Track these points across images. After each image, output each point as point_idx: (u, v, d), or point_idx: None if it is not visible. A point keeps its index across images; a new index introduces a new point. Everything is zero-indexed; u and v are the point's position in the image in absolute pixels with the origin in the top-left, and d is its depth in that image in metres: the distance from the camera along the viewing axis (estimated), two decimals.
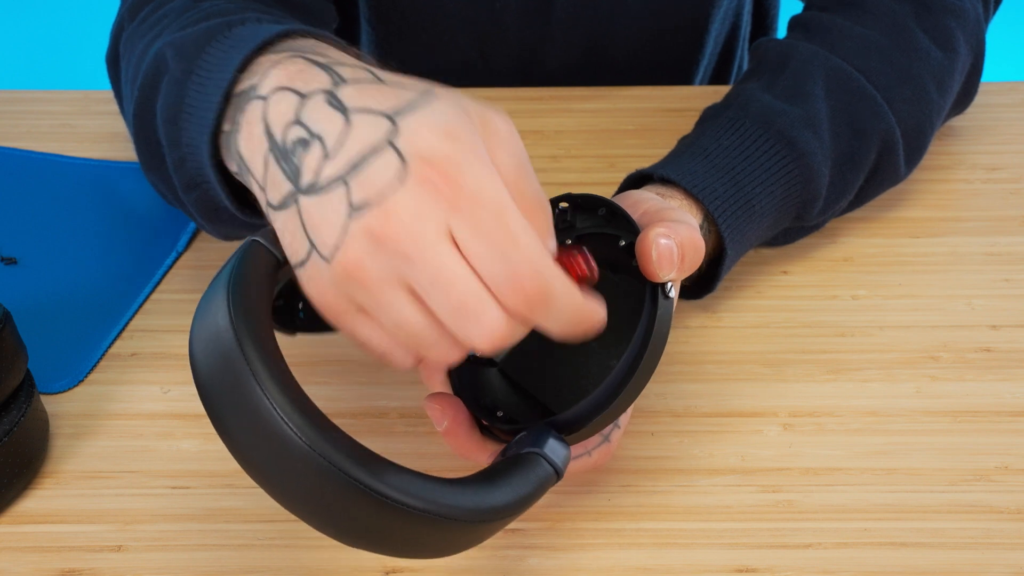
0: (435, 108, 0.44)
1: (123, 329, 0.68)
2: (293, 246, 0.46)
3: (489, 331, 0.43)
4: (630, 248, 0.52)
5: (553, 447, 0.49)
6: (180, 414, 0.63)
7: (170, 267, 0.73)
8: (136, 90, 0.61)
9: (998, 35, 1.06)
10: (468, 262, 0.43)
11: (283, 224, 0.46)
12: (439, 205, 0.42)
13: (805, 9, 0.77)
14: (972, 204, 0.78)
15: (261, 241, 0.47)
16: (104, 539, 0.56)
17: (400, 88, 0.46)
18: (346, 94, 0.46)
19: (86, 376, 0.65)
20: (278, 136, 0.46)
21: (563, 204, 0.57)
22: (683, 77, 0.99)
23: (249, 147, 0.48)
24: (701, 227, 0.62)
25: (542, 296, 0.43)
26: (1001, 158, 0.82)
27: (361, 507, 0.42)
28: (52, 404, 0.63)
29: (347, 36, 1.01)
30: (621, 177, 0.66)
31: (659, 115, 0.86)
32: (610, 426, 0.54)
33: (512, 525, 0.56)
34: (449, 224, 0.43)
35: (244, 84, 0.51)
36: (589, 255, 0.47)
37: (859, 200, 0.72)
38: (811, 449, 0.60)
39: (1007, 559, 0.54)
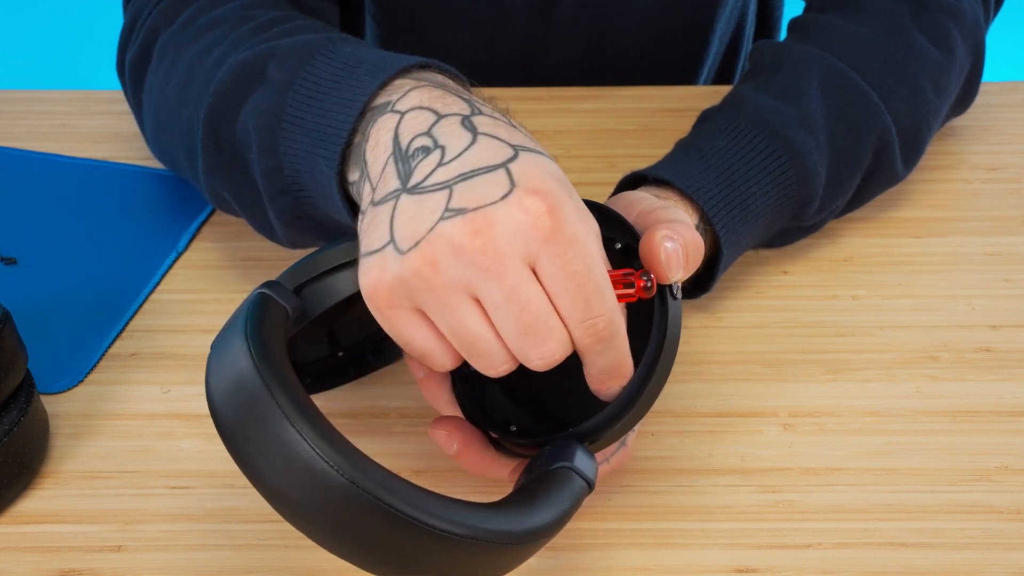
0: (549, 159, 0.47)
1: (123, 329, 0.68)
2: (372, 236, 0.47)
3: (550, 354, 0.46)
4: (626, 250, 0.52)
5: (582, 459, 0.49)
6: (180, 414, 0.63)
7: (170, 267, 0.73)
8: (211, 96, 0.61)
9: (998, 35, 1.06)
10: (545, 290, 0.45)
11: (372, 218, 0.47)
12: (534, 234, 0.44)
13: (804, 11, 0.77)
14: (972, 204, 0.78)
15: (270, 293, 0.48)
16: (104, 539, 0.56)
17: (526, 135, 0.49)
18: (480, 121, 0.48)
19: (86, 376, 0.65)
20: (403, 143, 0.48)
21: None
22: (687, 77, 0.99)
23: (374, 153, 0.50)
24: (697, 227, 0.62)
25: (609, 339, 0.47)
26: (1001, 158, 0.82)
27: (403, 537, 0.42)
28: (52, 404, 0.63)
29: (351, 33, 1.01)
30: (621, 177, 0.66)
31: (660, 115, 0.86)
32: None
33: None
34: (538, 255, 0.45)
35: (379, 100, 0.53)
36: (642, 279, 0.49)
37: (857, 200, 0.72)
38: (811, 449, 0.60)
39: (1007, 559, 0.54)
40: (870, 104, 0.69)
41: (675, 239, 0.51)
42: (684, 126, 0.71)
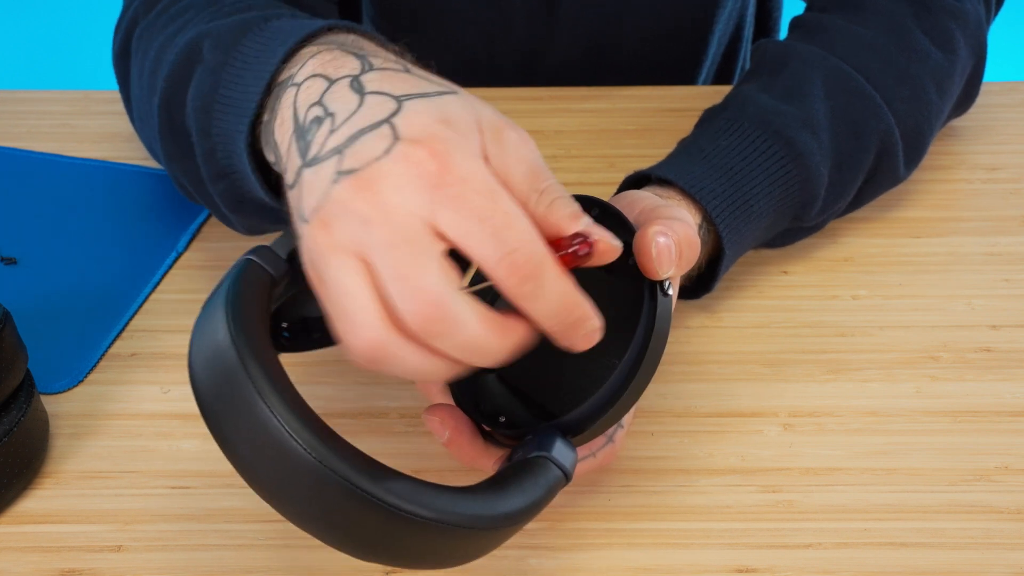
0: (444, 100, 0.45)
1: (123, 329, 0.68)
2: (295, 219, 0.46)
3: (424, 303, 0.42)
4: (626, 247, 0.52)
5: (560, 450, 0.49)
6: (180, 414, 0.63)
7: (170, 267, 0.73)
8: (163, 80, 0.61)
9: (998, 35, 1.06)
10: (450, 239, 0.42)
11: (293, 201, 0.46)
12: (421, 182, 0.42)
13: (806, 10, 0.77)
14: (972, 204, 0.78)
15: (255, 259, 0.48)
16: (104, 539, 0.56)
17: (422, 80, 0.46)
18: (368, 79, 0.47)
19: (86, 376, 0.65)
20: (301, 117, 0.47)
21: None
22: (687, 77, 0.99)
23: (281, 132, 0.50)
24: (700, 227, 0.62)
25: (536, 273, 0.42)
26: (1001, 158, 0.82)
27: (371, 519, 0.42)
28: (52, 404, 0.63)
29: None
30: (621, 177, 0.66)
31: (660, 115, 0.86)
32: (613, 426, 0.54)
33: None
34: (432, 204, 0.42)
35: (284, 75, 0.52)
36: (590, 240, 0.46)
37: (858, 201, 0.72)
38: (811, 449, 0.60)
39: (1007, 559, 0.54)
40: (873, 106, 0.69)
41: (668, 235, 0.51)
42: (684, 126, 0.71)
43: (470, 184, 0.42)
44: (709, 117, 0.70)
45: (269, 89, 0.53)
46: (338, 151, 0.44)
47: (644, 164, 0.65)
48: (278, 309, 0.51)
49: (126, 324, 0.69)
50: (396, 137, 0.43)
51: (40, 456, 0.59)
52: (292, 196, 0.47)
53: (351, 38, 0.54)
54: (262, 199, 0.57)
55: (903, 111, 0.70)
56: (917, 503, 0.57)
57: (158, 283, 0.72)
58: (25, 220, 0.76)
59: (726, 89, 0.74)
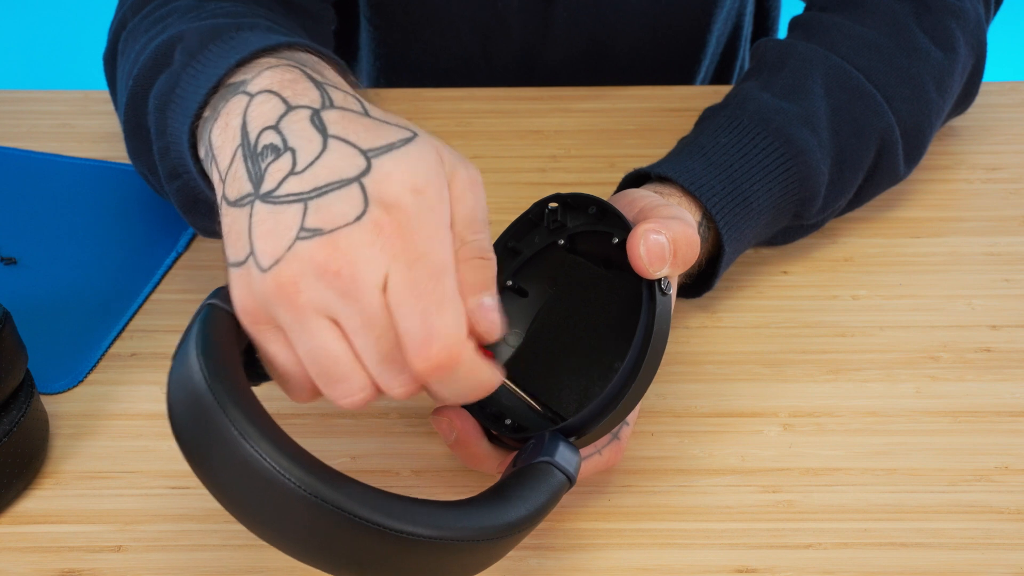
0: (410, 155, 0.45)
1: (123, 329, 0.68)
2: (236, 245, 0.46)
3: (411, 382, 0.45)
4: (623, 245, 0.52)
5: (564, 454, 0.49)
6: None
7: (170, 267, 0.73)
8: (132, 79, 0.61)
9: (998, 35, 1.06)
10: (390, 312, 0.44)
11: (232, 221, 0.46)
12: (385, 253, 0.43)
13: (806, 9, 0.77)
14: (972, 204, 0.78)
15: (217, 303, 0.47)
16: (104, 539, 0.56)
17: (383, 126, 0.46)
18: (330, 118, 0.46)
19: (86, 376, 0.65)
20: (252, 135, 0.47)
21: (552, 204, 0.57)
22: (685, 76, 0.99)
23: (222, 137, 0.49)
24: (700, 225, 0.62)
25: (446, 366, 0.45)
26: (1001, 158, 0.82)
27: (374, 545, 0.42)
28: (52, 404, 0.63)
29: (347, 35, 1.01)
30: (621, 177, 0.66)
31: (659, 115, 0.86)
32: (619, 424, 0.54)
33: None
34: (387, 272, 0.43)
35: (236, 77, 0.51)
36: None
37: (858, 199, 0.72)
38: (811, 449, 0.60)
39: (1007, 559, 0.54)
40: (874, 104, 0.69)
41: (661, 232, 0.51)
42: (684, 126, 0.71)
43: (424, 260, 0.44)
44: (709, 115, 0.70)
45: (216, 88, 0.52)
46: (302, 200, 0.44)
47: (644, 164, 0.65)
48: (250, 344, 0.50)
49: (126, 324, 0.69)
50: (366, 201, 0.44)
51: (40, 456, 0.59)
52: (234, 215, 0.46)
53: (312, 59, 0.53)
54: (214, 200, 0.57)
55: (903, 110, 0.70)
56: (917, 503, 0.57)
57: (158, 283, 0.72)
58: (25, 220, 0.76)
59: (727, 89, 0.74)
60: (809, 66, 0.69)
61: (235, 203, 0.46)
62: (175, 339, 0.68)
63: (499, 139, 0.84)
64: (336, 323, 0.44)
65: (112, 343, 0.67)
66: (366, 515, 0.42)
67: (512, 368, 0.58)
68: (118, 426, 0.62)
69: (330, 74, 0.51)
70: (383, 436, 0.61)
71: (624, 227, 0.53)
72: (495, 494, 0.47)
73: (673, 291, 0.53)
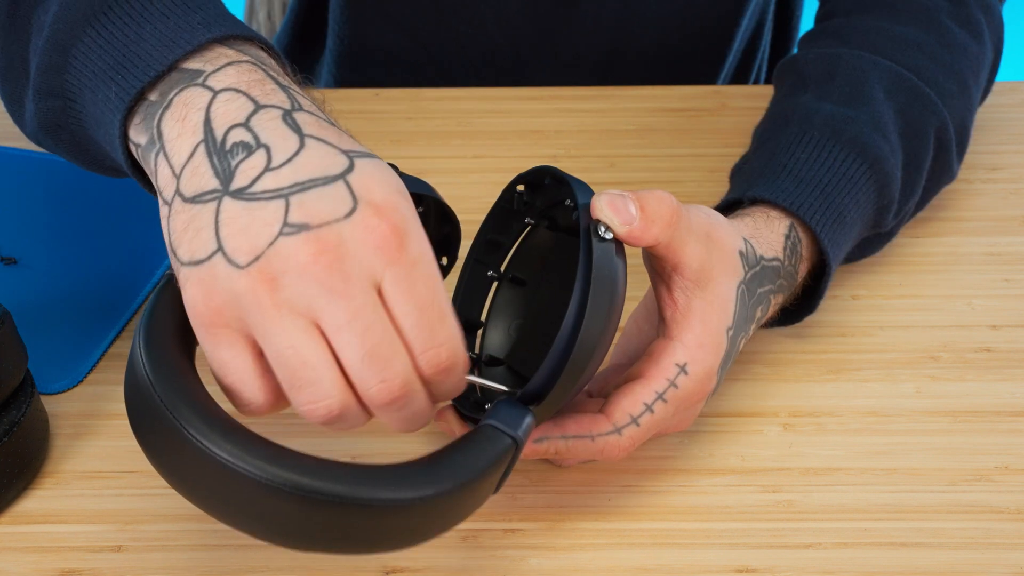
0: (382, 164, 0.45)
1: (123, 329, 0.68)
2: (193, 243, 0.44)
3: (392, 378, 0.44)
4: (576, 209, 0.51)
5: (508, 416, 0.47)
6: None
7: (170, 267, 0.73)
8: None
9: None
10: (389, 314, 0.43)
11: (189, 218, 0.44)
12: (379, 253, 0.43)
13: (825, 17, 0.76)
14: (972, 204, 0.78)
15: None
16: (104, 539, 0.56)
17: (345, 135, 0.46)
18: (303, 119, 0.46)
19: (86, 376, 0.65)
20: (218, 132, 0.45)
21: (519, 187, 0.56)
22: (708, 74, 0.98)
23: (176, 129, 0.47)
24: (788, 237, 0.61)
25: (448, 372, 0.45)
26: (1001, 158, 0.82)
27: (301, 510, 0.42)
28: (52, 404, 0.63)
29: (316, 15, 1.00)
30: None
31: (659, 115, 0.86)
32: (625, 421, 0.53)
33: (512, 525, 0.56)
34: (383, 277, 0.43)
35: (192, 64, 0.48)
36: None
37: (923, 201, 0.71)
38: (811, 449, 0.60)
39: (1007, 559, 0.54)
40: (930, 103, 0.68)
41: (624, 193, 0.50)
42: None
43: (419, 269, 0.44)
44: (770, 134, 0.67)
45: (170, 68, 0.48)
46: (282, 196, 0.43)
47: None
48: None
49: (126, 324, 0.69)
50: (355, 200, 0.43)
51: (40, 456, 0.59)
52: (191, 212, 0.44)
53: (270, 60, 0.51)
54: (90, 143, 0.54)
55: (953, 106, 0.69)
56: (917, 503, 0.57)
57: (158, 283, 0.72)
58: (25, 220, 0.76)
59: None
60: (861, 71, 0.68)
61: (193, 199, 0.44)
62: None
63: (499, 139, 0.84)
64: (314, 323, 0.43)
65: (112, 343, 0.67)
66: (283, 480, 0.41)
67: (513, 357, 0.58)
68: (118, 426, 0.62)
69: (289, 81, 0.50)
70: (383, 436, 0.61)
71: (583, 191, 0.52)
72: (430, 458, 0.45)
73: (611, 237, 0.50)
